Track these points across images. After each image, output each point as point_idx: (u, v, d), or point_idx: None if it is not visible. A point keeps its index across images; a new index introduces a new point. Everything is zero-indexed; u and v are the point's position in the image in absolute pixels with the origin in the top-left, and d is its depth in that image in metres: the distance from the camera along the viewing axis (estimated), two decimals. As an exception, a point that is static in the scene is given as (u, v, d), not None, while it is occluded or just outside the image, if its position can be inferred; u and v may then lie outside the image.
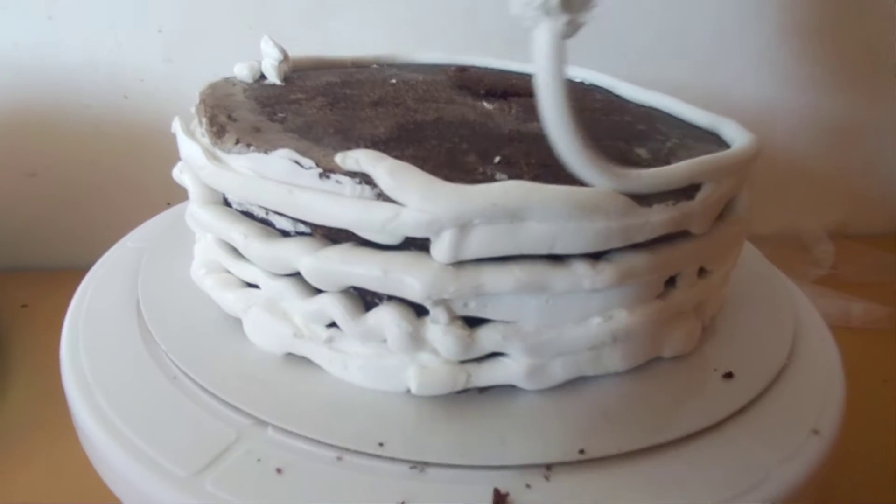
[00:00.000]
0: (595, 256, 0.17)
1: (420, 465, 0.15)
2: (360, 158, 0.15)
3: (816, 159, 0.46)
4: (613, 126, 0.23)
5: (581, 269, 0.16)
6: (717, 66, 0.41)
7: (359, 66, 0.27)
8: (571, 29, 0.14)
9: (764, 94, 0.43)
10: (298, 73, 0.25)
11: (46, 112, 0.36)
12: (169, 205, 0.28)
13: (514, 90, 0.24)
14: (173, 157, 0.21)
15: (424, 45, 0.33)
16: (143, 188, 0.35)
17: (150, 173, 0.33)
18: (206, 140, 0.19)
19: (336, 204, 0.16)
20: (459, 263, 0.16)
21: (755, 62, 0.42)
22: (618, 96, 0.28)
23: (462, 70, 0.26)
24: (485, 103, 0.22)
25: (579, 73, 0.30)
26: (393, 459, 0.15)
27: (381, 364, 0.17)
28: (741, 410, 0.18)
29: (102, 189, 0.38)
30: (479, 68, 0.28)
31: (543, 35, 0.14)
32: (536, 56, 0.14)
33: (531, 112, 0.22)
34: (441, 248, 0.15)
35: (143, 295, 0.21)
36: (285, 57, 0.23)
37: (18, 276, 0.37)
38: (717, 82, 0.42)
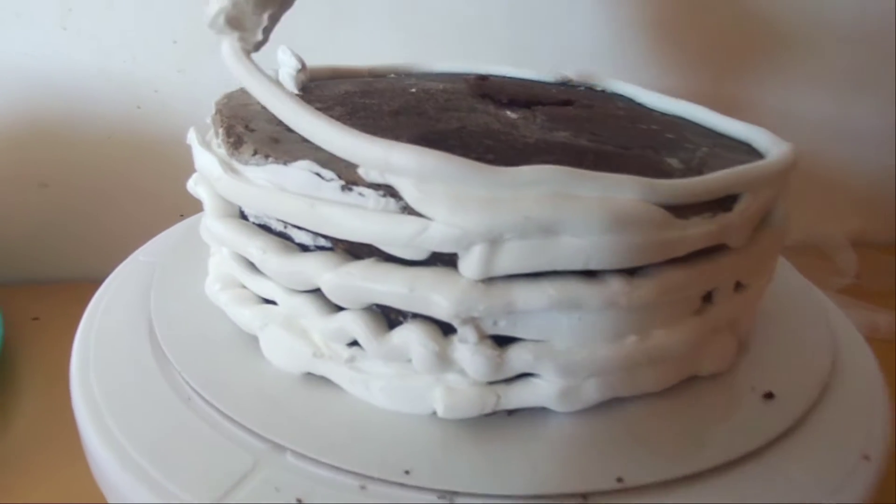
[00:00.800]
0: (631, 272, 0.16)
1: (449, 495, 0.14)
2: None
3: (834, 165, 0.45)
4: (641, 134, 0.22)
5: (616, 285, 0.15)
6: (732, 72, 0.41)
7: (375, 75, 0.27)
8: (249, 44, 0.17)
9: (780, 100, 0.42)
10: (315, 82, 0.24)
11: (59, 122, 0.36)
12: (182, 216, 0.28)
13: (536, 99, 0.24)
14: (187, 168, 0.20)
15: (438, 54, 0.32)
16: (157, 199, 0.35)
17: (164, 184, 0.32)
18: (223, 151, 0.19)
19: (359, 218, 0.15)
20: (489, 280, 0.15)
21: (772, 68, 0.41)
22: (640, 104, 0.27)
23: (483, 78, 0.25)
24: (508, 112, 0.22)
25: (599, 82, 0.29)
26: (420, 488, 0.14)
27: (406, 385, 0.16)
28: (785, 434, 0.17)
29: (115, 200, 0.38)
30: (498, 77, 0.27)
31: (224, 49, 0.17)
32: (229, 68, 0.17)
33: (557, 121, 0.21)
34: (470, 264, 0.14)
35: (156, 312, 0.20)
36: (303, 66, 0.23)
37: (29, 288, 0.36)
38: (733, 89, 0.41)
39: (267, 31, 0.17)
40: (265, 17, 0.16)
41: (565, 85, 0.29)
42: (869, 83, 0.42)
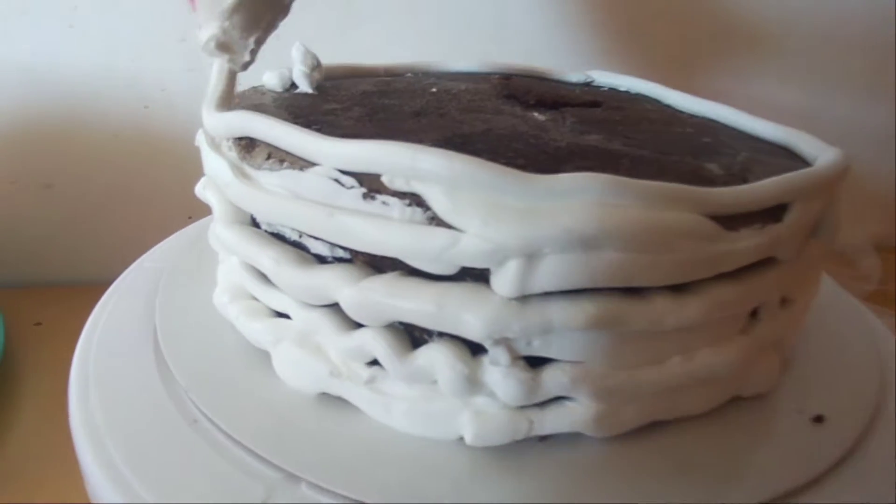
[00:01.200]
0: (677, 288, 0.14)
1: (478, 531, 0.13)
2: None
3: (855, 168, 0.43)
4: (676, 138, 0.20)
5: (662, 302, 0.14)
6: (753, 73, 0.39)
7: (392, 74, 0.26)
8: (237, 65, 0.18)
9: (801, 102, 0.40)
10: (331, 81, 0.23)
11: (64, 122, 0.35)
12: (191, 218, 0.27)
13: (563, 100, 0.22)
14: (195, 168, 0.19)
15: (453, 53, 0.31)
16: (165, 200, 0.34)
17: (171, 185, 0.31)
18: (234, 155, 0.17)
19: (383, 229, 0.14)
20: (524, 297, 0.14)
21: (792, 68, 0.39)
22: (668, 105, 0.26)
23: (507, 78, 0.24)
24: (536, 114, 0.20)
25: (623, 82, 0.28)
26: (447, 524, 0.13)
27: (430, 409, 0.15)
28: (839, 462, 0.16)
29: (121, 202, 0.37)
30: (522, 77, 0.26)
31: (214, 68, 0.19)
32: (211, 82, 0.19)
33: (587, 123, 0.20)
34: (504, 281, 0.13)
35: (161, 324, 0.19)
36: (318, 64, 0.21)
37: (32, 292, 0.35)
38: (754, 90, 0.40)
39: (254, 53, 0.18)
40: (251, 40, 0.18)
41: (588, 85, 0.28)
42: (889, 84, 0.41)
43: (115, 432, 0.15)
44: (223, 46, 0.18)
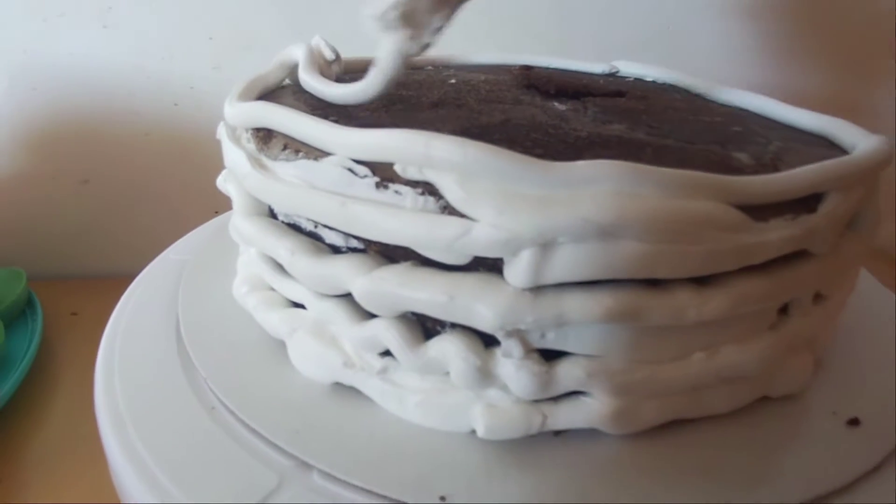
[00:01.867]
0: (700, 281, 0.14)
1: (489, 526, 0.13)
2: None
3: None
4: (703, 127, 0.20)
5: (685, 296, 0.13)
6: (777, 61, 0.37)
7: (412, 67, 0.25)
8: (415, 46, 0.15)
9: (828, 89, 0.38)
10: (350, 74, 0.23)
11: (99, 119, 0.36)
12: (217, 213, 0.27)
13: (586, 90, 0.22)
14: (221, 164, 0.19)
15: (476, 46, 0.31)
16: (194, 195, 0.35)
17: (201, 180, 0.32)
18: (252, 146, 0.18)
19: (395, 218, 0.14)
20: (538, 288, 0.13)
21: (816, 57, 0.37)
22: (697, 94, 0.25)
23: (528, 69, 0.24)
24: (556, 104, 0.20)
25: (649, 72, 0.27)
26: (457, 518, 0.13)
27: (443, 401, 0.15)
28: (876, 469, 0.15)
29: (153, 196, 0.38)
30: (544, 68, 0.25)
31: (385, 47, 0.15)
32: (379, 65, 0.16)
33: (610, 113, 0.20)
34: (518, 271, 0.13)
35: (183, 314, 0.19)
36: (337, 57, 0.21)
37: (69, 283, 0.37)
38: (779, 78, 0.38)
39: (436, 35, 0.15)
40: (438, 17, 0.14)
41: (612, 75, 0.27)
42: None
43: (137, 417, 0.16)
44: (407, 19, 0.14)
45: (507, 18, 0.35)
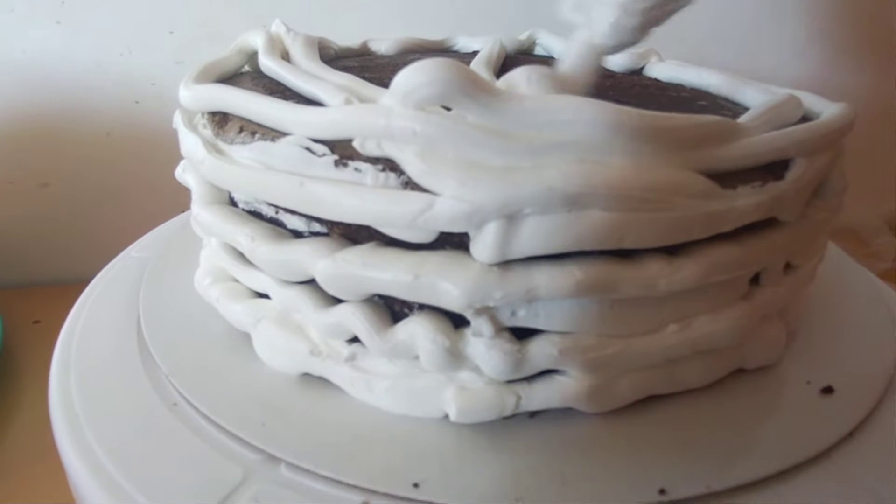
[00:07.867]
0: (671, 251, 0.14)
1: (464, 511, 0.13)
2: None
3: (867, 144, 0.42)
4: (671, 102, 0.20)
5: (655, 266, 0.13)
6: (760, 46, 0.38)
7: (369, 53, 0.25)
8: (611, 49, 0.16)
9: (810, 75, 0.39)
10: (343, 61, 0.22)
11: (57, 120, 0.35)
12: (183, 212, 0.26)
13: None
14: (184, 157, 0.19)
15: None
16: (159, 195, 0.33)
17: (165, 179, 0.31)
18: (209, 132, 0.17)
19: (355, 196, 0.13)
20: (506, 263, 0.13)
21: (801, 42, 0.38)
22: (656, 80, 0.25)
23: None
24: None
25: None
26: (431, 504, 0.13)
27: (413, 386, 0.14)
28: (850, 434, 0.15)
29: (116, 197, 0.37)
30: (514, 56, 0.25)
31: (574, 40, 0.16)
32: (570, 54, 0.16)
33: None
34: (484, 246, 0.13)
35: (144, 310, 0.19)
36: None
37: (31, 291, 0.35)
38: (762, 64, 0.38)
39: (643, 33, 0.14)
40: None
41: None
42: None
43: (93, 416, 0.15)
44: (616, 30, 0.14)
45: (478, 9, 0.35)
